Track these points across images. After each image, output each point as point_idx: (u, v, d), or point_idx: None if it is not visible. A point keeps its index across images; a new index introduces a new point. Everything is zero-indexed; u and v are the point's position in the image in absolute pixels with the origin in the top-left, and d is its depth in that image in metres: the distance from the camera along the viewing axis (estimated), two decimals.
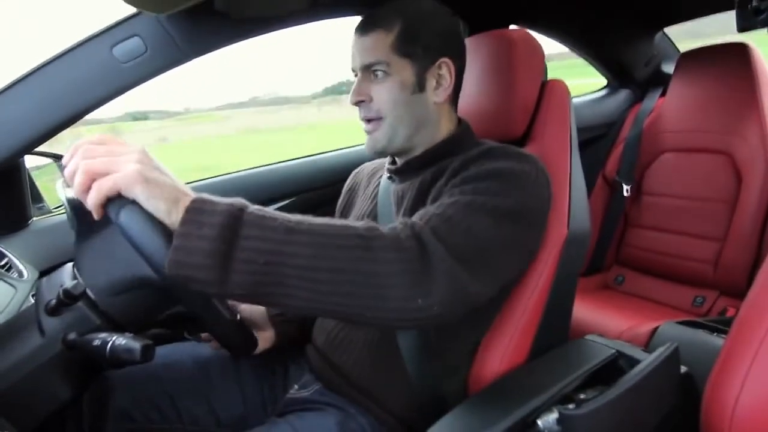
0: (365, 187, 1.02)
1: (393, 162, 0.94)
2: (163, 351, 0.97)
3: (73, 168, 0.57)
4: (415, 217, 0.69)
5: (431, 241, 0.63)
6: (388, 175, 0.94)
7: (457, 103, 0.93)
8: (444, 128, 0.89)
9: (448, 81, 0.87)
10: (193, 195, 0.57)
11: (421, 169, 0.88)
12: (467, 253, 0.65)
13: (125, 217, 0.56)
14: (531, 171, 0.76)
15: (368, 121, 0.87)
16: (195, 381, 0.94)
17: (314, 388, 0.91)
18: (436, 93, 0.86)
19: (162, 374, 0.92)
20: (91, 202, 0.56)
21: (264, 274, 0.56)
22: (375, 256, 0.59)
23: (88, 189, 0.56)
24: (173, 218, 0.55)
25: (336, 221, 0.61)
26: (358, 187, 1.05)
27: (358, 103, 0.86)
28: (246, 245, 0.55)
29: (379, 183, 0.97)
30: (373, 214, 0.94)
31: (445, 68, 0.86)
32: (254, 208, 0.59)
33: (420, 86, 0.85)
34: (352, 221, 0.64)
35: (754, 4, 0.91)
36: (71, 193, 0.62)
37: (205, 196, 0.58)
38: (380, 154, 0.90)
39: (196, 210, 0.55)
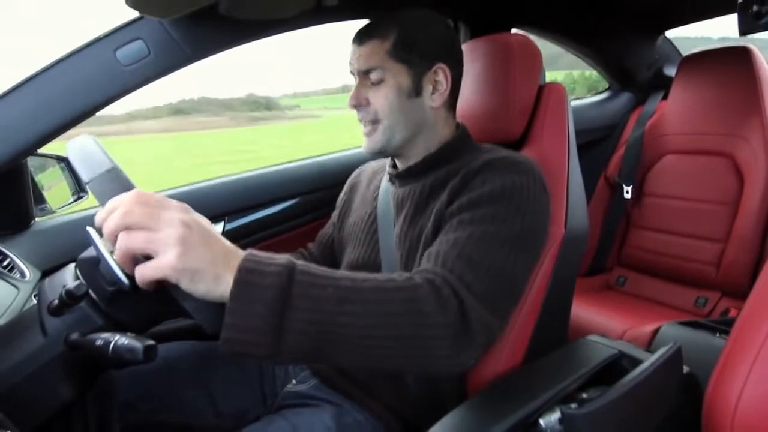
0: (366, 186, 1.04)
1: (394, 165, 0.95)
2: (165, 347, 0.98)
3: (113, 229, 0.53)
4: (437, 263, 0.70)
5: (468, 298, 0.66)
6: (389, 178, 0.95)
7: (455, 108, 0.94)
8: (442, 133, 0.91)
9: (444, 86, 0.88)
10: (236, 262, 0.55)
11: (420, 174, 0.90)
12: (494, 296, 0.69)
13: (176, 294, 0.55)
14: (529, 183, 0.78)
15: (366, 123, 0.88)
16: (197, 374, 0.95)
17: (311, 382, 0.92)
18: (432, 98, 0.88)
19: (164, 368, 0.94)
20: (140, 282, 0.54)
21: (316, 341, 0.56)
22: (424, 320, 0.61)
23: (131, 260, 0.54)
24: (219, 292, 0.54)
25: (382, 280, 0.63)
26: (359, 185, 1.07)
27: (355, 107, 0.88)
28: (297, 317, 0.55)
29: (380, 184, 0.99)
30: (373, 216, 0.95)
31: (441, 74, 0.88)
32: (301, 271, 0.57)
33: (416, 91, 0.87)
34: (394, 275, 0.66)
35: (755, 8, 0.92)
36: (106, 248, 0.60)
37: (251, 260, 0.55)
38: (378, 154, 0.91)
39: (244, 283, 0.54)
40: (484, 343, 0.68)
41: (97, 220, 0.55)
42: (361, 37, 0.88)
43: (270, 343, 0.54)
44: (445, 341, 0.62)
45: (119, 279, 0.60)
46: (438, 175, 0.87)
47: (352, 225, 1.00)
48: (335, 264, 1.04)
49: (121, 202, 0.54)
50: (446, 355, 0.63)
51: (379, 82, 0.86)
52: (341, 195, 1.10)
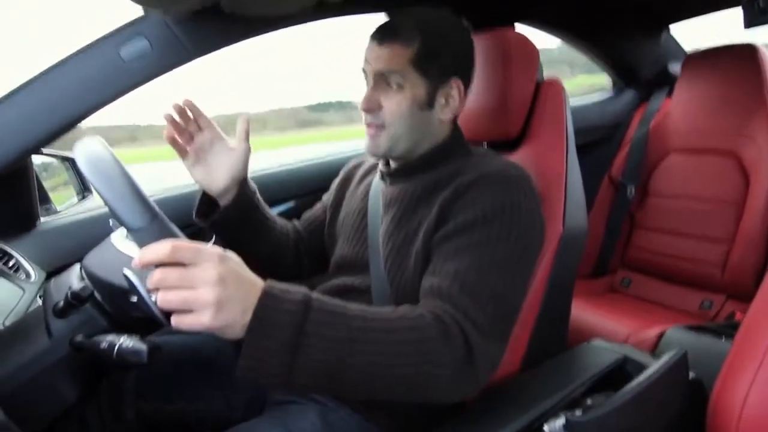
0: (358, 182, 1.04)
1: (386, 163, 0.94)
2: (177, 338, 0.99)
3: (150, 289, 0.55)
4: (442, 298, 0.71)
5: (473, 335, 0.67)
6: (380, 176, 0.95)
7: (458, 117, 0.93)
8: (439, 137, 0.90)
9: (456, 101, 0.87)
10: (255, 300, 0.57)
11: (411, 175, 0.89)
12: (497, 325, 0.71)
13: None
14: (520, 199, 0.78)
15: (371, 127, 0.87)
16: (208, 365, 0.97)
17: None
18: (443, 111, 0.87)
19: (177, 358, 0.95)
20: (176, 325, 0.56)
21: (323, 376, 0.60)
22: (431, 359, 0.64)
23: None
24: (238, 331, 0.56)
25: (393, 319, 0.65)
26: (352, 179, 1.06)
27: (367, 110, 0.86)
28: (308, 354, 0.58)
29: (371, 181, 0.99)
30: (363, 212, 0.95)
31: (455, 88, 0.87)
32: (316, 309, 0.59)
33: (429, 103, 0.86)
34: (402, 310, 0.68)
35: (761, 1, 0.91)
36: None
37: (268, 300, 0.57)
38: (380, 158, 0.91)
39: (260, 319, 0.56)
40: (487, 374, 0.70)
41: (134, 265, 0.56)
42: (383, 37, 0.85)
43: (281, 375, 0.58)
44: (449, 378, 0.65)
45: (160, 320, 0.62)
46: (429, 178, 0.86)
47: (343, 219, 1.00)
48: (322, 248, 1.05)
49: (155, 259, 0.54)
50: (449, 389, 0.67)
51: (396, 88, 0.84)
52: (336, 181, 1.09)
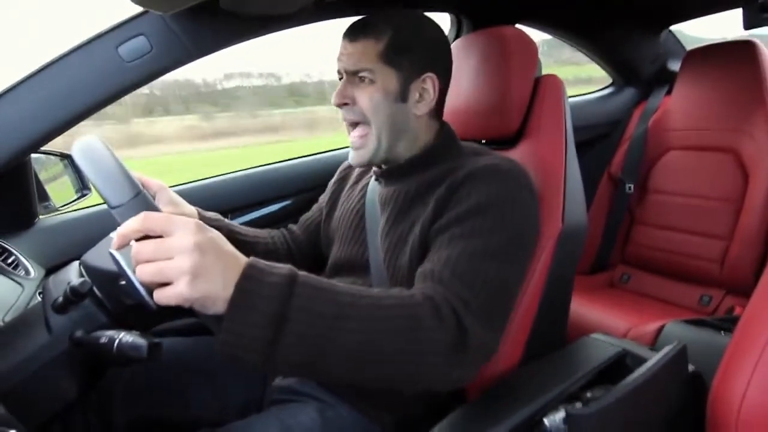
0: (354, 182, 1.04)
1: (380, 165, 0.94)
2: (170, 341, 0.99)
3: (130, 263, 0.55)
4: (434, 281, 0.70)
5: (467, 317, 0.66)
6: (375, 177, 0.96)
7: (441, 114, 0.93)
8: (423, 138, 0.90)
9: (431, 95, 0.87)
10: (239, 271, 0.55)
11: (404, 176, 0.89)
12: (490, 310, 0.70)
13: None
14: (513, 191, 0.78)
15: (353, 125, 0.87)
16: (201, 368, 0.96)
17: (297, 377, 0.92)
18: (418, 106, 0.87)
19: (169, 361, 0.94)
20: (159, 304, 0.55)
21: (309, 355, 0.57)
22: (422, 337, 0.62)
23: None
24: (220, 306, 0.54)
25: (382, 297, 0.63)
26: (348, 179, 1.07)
27: (340, 105, 0.87)
28: (293, 329, 0.56)
29: (368, 182, 0.99)
30: (360, 213, 0.96)
31: (429, 83, 0.87)
32: (302, 283, 0.57)
33: (402, 96, 0.85)
34: (393, 291, 0.67)
35: (761, 1, 0.92)
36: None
37: (253, 271, 0.55)
38: (366, 166, 0.92)
39: (243, 291, 0.54)
40: (481, 361, 0.69)
41: (113, 246, 0.56)
42: (353, 34, 0.86)
43: (264, 352, 0.55)
44: (440, 358, 0.63)
45: (146, 302, 0.61)
46: (422, 179, 0.86)
47: (338, 220, 1.00)
48: (319, 249, 1.06)
49: (129, 232, 0.53)
50: (440, 372, 0.64)
51: (367, 82, 0.84)
52: (332, 182, 1.10)
